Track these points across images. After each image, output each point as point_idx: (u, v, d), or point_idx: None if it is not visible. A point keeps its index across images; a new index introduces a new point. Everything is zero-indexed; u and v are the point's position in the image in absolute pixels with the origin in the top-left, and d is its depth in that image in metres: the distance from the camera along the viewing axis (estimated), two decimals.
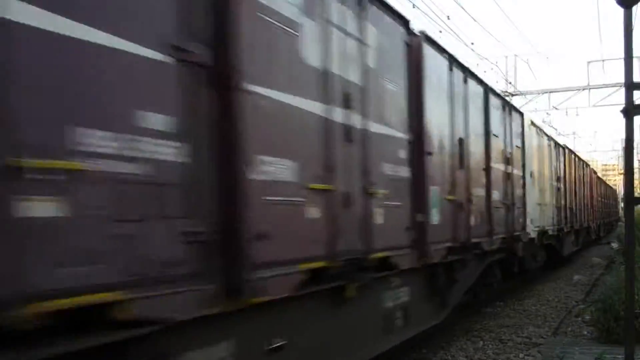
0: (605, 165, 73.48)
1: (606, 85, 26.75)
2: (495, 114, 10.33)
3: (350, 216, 5.03)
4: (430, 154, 7.02)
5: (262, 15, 3.93)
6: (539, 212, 14.01)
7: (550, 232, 15.45)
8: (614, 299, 8.40)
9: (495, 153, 10.18)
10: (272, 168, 3.98)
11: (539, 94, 27.83)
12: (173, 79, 3.15)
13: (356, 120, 5.20)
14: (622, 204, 50.63)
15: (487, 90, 9.93)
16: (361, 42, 5.38)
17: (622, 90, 4.34)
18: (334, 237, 4.74)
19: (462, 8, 16.85)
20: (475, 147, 9.00)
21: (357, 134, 5.20)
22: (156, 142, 3.02)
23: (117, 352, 2.78)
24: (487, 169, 9.64)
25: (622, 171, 4.68)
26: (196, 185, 3.31)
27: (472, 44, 31.35)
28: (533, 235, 13.17)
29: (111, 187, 2.73)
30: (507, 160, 11.10)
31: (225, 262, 3.47)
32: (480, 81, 9.61)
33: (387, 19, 6.12)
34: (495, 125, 10.23)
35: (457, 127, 8.19)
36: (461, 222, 8.10)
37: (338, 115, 4.89)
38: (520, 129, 12.49)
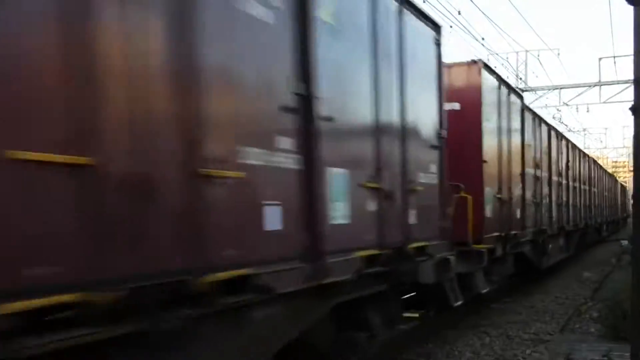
0: (616, 162, 72.96)
1: (617, 82, 26.51)
2: None
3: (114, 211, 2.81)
4: (329, 119, 4.59)
5: None
6: None
7: None
8: (621, 296, 8.39)
9: None
10: None
11: (549, 89, 27.63)
12: None
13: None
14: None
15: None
16: None
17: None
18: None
19: (473, 3, 16.81)
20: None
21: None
22: None
23: None
24: None
25: (632, 168, 4.66)
26: None
27: (483, 39, 31.15)
28: None
29: None
30: None
31: None
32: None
33: None
34: None
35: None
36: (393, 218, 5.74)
37: None
38: None
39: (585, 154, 23.56)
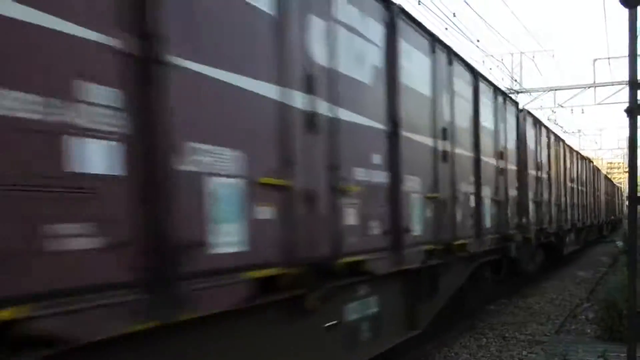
0: (611, 163, 73.25)
1: (612, 83, 26.67)
2: None
3: None
4: None
5: None
6: None
7: None
8: (616, 297, 8.42)
9: None
10: None
11: (544, 91, 27.75)
12: None
13: None
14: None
15: None
16: None
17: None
18: None
19: (468, 5, 16.85)
20: None
21: None
22: None
23: None
24: None
25: (627, 169, 4.72)
26: None
27: (478, 41, 31.30)
28: None
29: None
30: None
31: None
32: None
33: None
34: None
35: None
36: None
37: None
38: None
39: (516, 105, 11.89)
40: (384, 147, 5.86)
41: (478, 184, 8.86)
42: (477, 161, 8.93)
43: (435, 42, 7.26)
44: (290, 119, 4.25)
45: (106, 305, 2.73)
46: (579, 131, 46.44)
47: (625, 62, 4.68)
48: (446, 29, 16.92)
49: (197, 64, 3.39)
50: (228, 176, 3.58)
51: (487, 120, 9.57)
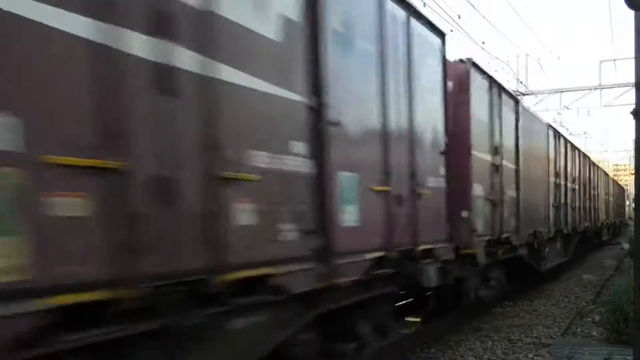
0: (617, 165, 72.96)
1: (618, 85, 26.59)
2: None
3: None
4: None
5: None
6: None
7: None
8: (622, 299, 8.39)
9: None
10: None
11: (550, 93, 27.70)
12: None
13: None
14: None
15: None
16: None
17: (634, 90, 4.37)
18: None
19: (473, 7, 16.86)
20: None
21: None
22: None
23: None
24: None
25: (633, 171, 4.73)
26: None
27: (483, 43, 31.25)
28: None
29: None
30: None
31: None
32: None
33: None
34: None
35: None
36: None
37: None
38: None
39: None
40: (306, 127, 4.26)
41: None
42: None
43: None
44: (117, 70, 2.82)
45: None
46: (585, 133, 46.30)
47: (631, 64, 4.67)
48: (451, 30, 17.08)
49: None
50: None
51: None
